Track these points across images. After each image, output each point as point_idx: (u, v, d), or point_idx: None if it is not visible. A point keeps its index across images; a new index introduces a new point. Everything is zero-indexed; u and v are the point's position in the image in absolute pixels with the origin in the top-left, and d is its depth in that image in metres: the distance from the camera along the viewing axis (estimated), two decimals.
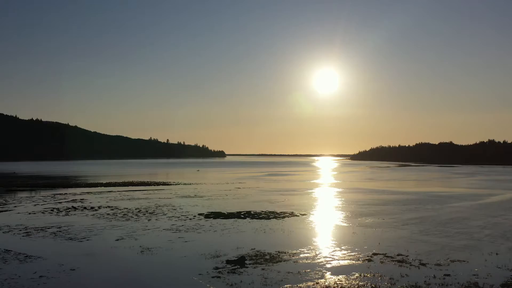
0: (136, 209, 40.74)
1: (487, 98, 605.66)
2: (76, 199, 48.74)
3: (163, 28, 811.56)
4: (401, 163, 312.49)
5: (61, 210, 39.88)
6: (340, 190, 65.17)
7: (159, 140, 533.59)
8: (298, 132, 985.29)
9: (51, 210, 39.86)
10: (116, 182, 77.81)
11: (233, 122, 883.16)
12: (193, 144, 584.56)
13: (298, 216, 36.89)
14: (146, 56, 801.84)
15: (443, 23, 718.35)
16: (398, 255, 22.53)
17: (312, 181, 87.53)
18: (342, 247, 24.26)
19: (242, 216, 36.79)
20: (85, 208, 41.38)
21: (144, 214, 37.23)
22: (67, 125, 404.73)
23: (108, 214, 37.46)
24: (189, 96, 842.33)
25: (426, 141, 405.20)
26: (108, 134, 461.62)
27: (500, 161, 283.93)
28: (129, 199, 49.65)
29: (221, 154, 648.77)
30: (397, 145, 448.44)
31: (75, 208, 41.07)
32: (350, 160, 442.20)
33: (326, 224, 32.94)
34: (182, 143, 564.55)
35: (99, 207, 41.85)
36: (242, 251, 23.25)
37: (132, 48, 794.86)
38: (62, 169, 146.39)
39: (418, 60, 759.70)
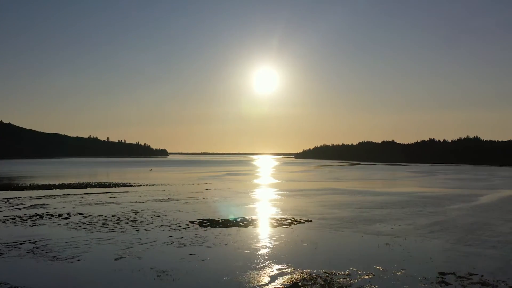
0: (113, 216, 35.51)
1: (427, 98, 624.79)
2: (36, 204, 42.63)
3: (104, 26, 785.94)
4: (348, 161, 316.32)
5: (24, 218, 34.04)
6: (316, 190, 61.98)
7: (99, 138, 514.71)
8: (238, 130, 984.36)
9: (13, 218, 33.92)
10: (70, 184, 70.99)
11: (174, 121, 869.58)
12: (134, 142, 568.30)
13: (304, 223, 32.97)
14: (86, 53, 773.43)
15: (380, 24, 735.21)
16: (470, 274, 19.02)
17: (279, 181, 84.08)
18: (395, 265, 20.45)
19: (241, 223, 32.45)
20: (52, 215, 35.66)
21: (127, 223, 32.14)
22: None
23: (84, 223, 32.07)
24: (130, 94, 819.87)
25: (369, 139, 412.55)
26: (45, 132, 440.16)
27: (441, 159, 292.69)
28: (97, 203, 44.01)
29: (163, 152, 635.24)
30: (340, 144, 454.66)
31: (40, 216, 35.30)
32: (294, 159, 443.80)
33: (346, 233, 29.11)
34: (123, 141, 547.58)
35: (69, 214, 36.25)
36: (283, 273, 19.06)
37: (70, 44, 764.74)
38: (1, 169, 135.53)
39: (357, 60, 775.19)
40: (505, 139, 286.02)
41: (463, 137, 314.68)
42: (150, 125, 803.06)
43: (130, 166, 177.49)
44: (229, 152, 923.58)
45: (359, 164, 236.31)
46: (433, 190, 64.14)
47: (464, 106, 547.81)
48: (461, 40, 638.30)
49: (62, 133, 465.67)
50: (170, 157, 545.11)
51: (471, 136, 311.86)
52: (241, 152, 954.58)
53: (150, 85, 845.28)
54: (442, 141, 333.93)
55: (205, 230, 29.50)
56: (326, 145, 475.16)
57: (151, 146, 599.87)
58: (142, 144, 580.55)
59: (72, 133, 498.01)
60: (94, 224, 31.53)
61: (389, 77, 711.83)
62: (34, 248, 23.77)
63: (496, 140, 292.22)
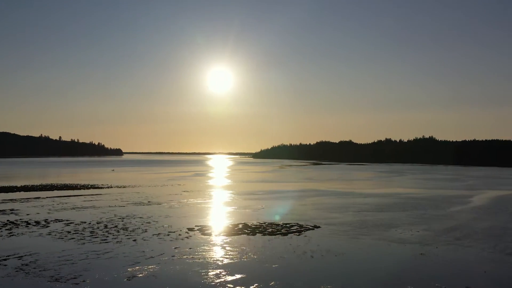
0: (98, 223, 31.90)
1: (383, 99, 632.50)
2: (4, 210, 38.38)
3: (56, 24, 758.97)
4: (308, 161, 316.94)
5: None
6: (299, 192, 59.82)
7: (50, 137, 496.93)
8: (193, 130, 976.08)
9: None
10: (33, 186, 65.80)
11: (128, 120, 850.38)
12: (88, 141, 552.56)
13: (313, 229, 30.44)
14: (36, 50, 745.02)
15: (335, 24, 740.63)
16: None
17: (254, 182, 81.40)
18: (454, 281, 18.27)
19: (246, 230, 29.60)
20: (28, 223, 31.65)
21: (118, 232, 28.67)
22: None
23: (68, 232, 28.38)
24: (83, 92, 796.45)
25: (326, 139, 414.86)
26: None
27: (397, 159, 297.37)
28: (73, 208, 40.06)
29: (118, 152, 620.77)
30: (298, 144, 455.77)
31: (15, 224, 31.25)
32: (253, 159, 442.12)
33: (368, 241, 26.74)
34: (76, 140, 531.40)
35: (47, 221, 32.34)
36: None
37: (20, 41, 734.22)
38: None
39: (311, 60, 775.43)
40: (459, 139, 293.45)
41: (418, 137, 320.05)
42: (104, 124, 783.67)
43: (88, 166, 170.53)
44: (184, 151, 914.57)
45: (321, 164, 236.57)
46: (417, 191, 62.93)
47: (419, 106, 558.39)
48: (416, 42, 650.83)
49: (12, 132, 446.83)
50: (125, 156, 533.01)
51: (427, 136, 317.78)
52: (196, 151, 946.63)
53: (104, 84, 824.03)
54: (398, 141, 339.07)
55: (210, 240, 26.49)
56: (284, 145, 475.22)
57: (105, 146, 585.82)
58: (96, 143, 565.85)
59: (22, 132, 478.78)
60: (81, 233, 27.92)
61: (344, 77, 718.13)
62: (22, 265, 20.13)
63: (451, 140, 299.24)
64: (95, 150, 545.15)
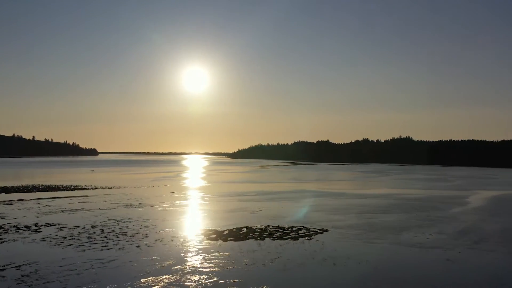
0: (93, 227, 30.07)
1: (360, 99, 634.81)
2: None
3: (29, 18, 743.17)
4: (288, 161, 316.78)
5: None
6: (291, 193, 58.64)
7: (23, 137, 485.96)
8: (169, 129, 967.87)
9: None
10: (14, 187, 62.98)
11: (103, 119, 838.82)
12: (62, 141, 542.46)
13: (322, 233, 29.25)
14: (10, 46, 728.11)
15: (311, 24, 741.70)
16: None
17: (240, 183, 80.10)
18: None
19: (253, 235, 28.28)
20: (17, 228, 29.63)
21: (118, 237, 26.92)
22: None
23: (64, 237, 26.51)
24: (57, 91, 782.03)
25: (303, 139, 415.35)
26: None
27: (375, 159, 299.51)
28: (62, 211, 37.99)
29: (93, 152, 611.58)
30: (275, 143, 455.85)
31: (3, 228, 29.49)
32: (230, 159, 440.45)
33: (386, 245, 25.58)
34: (50, 140, 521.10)
35: (37, 226, 30.35)
36: None
37: None
38: None
39: (289, 60, 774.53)
40: (435, 140, 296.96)
41: (396, 137, 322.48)
42: (78, 123, 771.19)
43: (65, 166, 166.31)
44: (160, 151, 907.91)
45: (302, 164, 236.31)
46: (409, 191, 62.31)
47: (396, 107, 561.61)
48: (393, 42, 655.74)
49: None
50: (100, 156, 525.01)
51: (404, 136, 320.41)
52: (172, 151, 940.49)
53: (79, 83, 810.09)
54: (375, 141, 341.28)
55: (218, 245, 24.95)
56: (262, 145, 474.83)
57: (80, 145, 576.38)
58: (71, 143, 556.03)
59: None
60: (78, 239, 26.08)
61: (320, 77, 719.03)
62: (23, 276, 18.31)
63: (427, 140, 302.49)
64: (70, 150, 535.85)
